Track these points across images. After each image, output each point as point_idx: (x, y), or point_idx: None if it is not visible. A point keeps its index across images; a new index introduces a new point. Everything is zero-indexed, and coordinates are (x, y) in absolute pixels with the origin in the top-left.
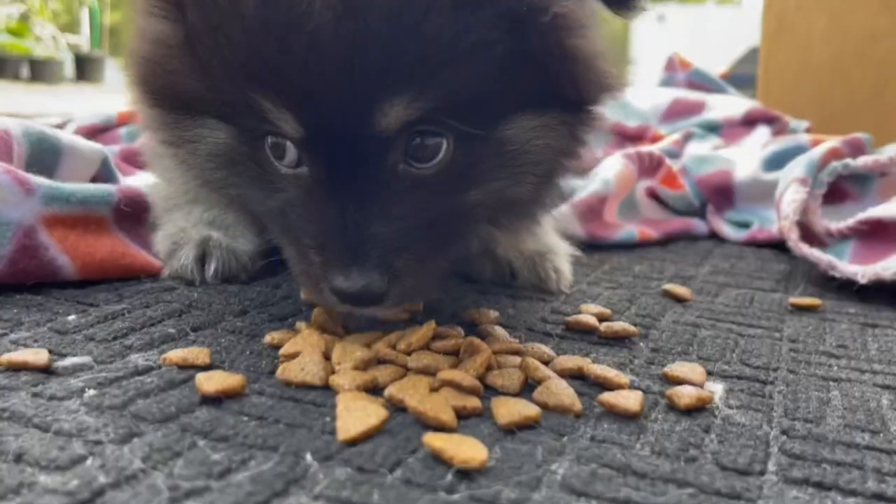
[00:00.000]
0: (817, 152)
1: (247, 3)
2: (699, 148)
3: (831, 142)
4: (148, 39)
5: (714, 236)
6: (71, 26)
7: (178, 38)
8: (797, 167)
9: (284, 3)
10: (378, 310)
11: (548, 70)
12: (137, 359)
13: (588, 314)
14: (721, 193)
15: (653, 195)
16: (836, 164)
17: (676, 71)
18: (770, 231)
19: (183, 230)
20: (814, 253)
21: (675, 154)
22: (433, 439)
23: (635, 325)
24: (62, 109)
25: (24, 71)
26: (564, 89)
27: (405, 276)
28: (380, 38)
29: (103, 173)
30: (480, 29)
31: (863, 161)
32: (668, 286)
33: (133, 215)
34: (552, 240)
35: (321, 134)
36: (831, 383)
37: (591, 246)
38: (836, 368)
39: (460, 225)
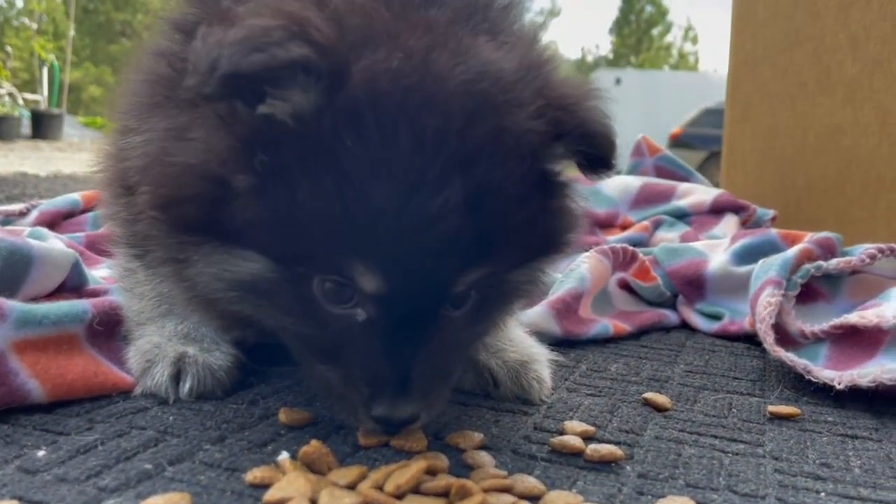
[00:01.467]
0: (790, 254)
1: (373, 191)
2: (668, 235)
3: (804, 243)
4: (194, 172)
5: (685, 326)
6: (30, 84)
7: (246, 185)
8: (771, 269)
9: (418, 200)
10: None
11: (553, 221)
12: None
13: (573, 434)
14: (692, 285)
15: (625, 286)
16: (808, 266)
17: (644, 156)
18: (741, 324)
19: (157, 346)
20: (790, 357)
21: (644, 241)
22: None
23: (619, 442)
24: (17, 167)
25: None
26: (555, 239)
27: (434, 402)
28: (479, 222)
29: (74, 276)
30: (533, 205)
31: (834, 263)
32: (648, 395)
33: (105, 332)
34: (532, 347)
35: (397, 292)
36: None
37: (567, 342)
38: (823, 495)
39: (469, 351)
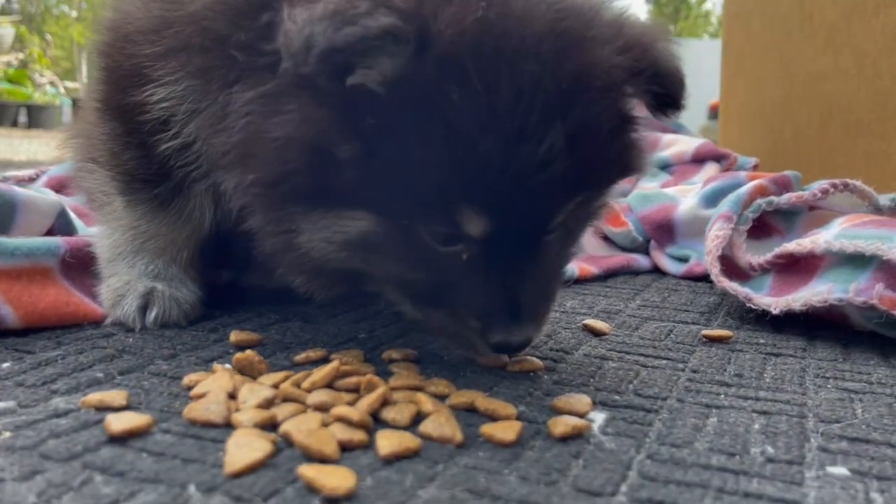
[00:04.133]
0: (744, 190)
1: (479, 140)
2: (649, 185)
3: (759, 180)
4: (298, 146)
5: (657, 270)
6: (70, 72)
7: (351, 153)
8: (724, 204)
9: (524, 146)
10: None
11: (631, 154)
12: (59, 402)
13: None
14: (662, 229)
15: (597, 232)
16: (760, 201)
17: None
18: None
19: (127, 283)
20: (732, 286)
21: (626, 191)
22: (306, 470)
23: (546, 359)
24: (57, 153)
25: (23, 117)
26: (625, 166)
27: (543, 321)
28: (580, 162)
29: (60, 224)
30: (620, 137)
31: (786, 198)
32: (589, 321)
33: (79, 265)
34: None
35: (501, 233)
36: (713, 410)
37: None
38: (722, 397)
39: (564, 270)
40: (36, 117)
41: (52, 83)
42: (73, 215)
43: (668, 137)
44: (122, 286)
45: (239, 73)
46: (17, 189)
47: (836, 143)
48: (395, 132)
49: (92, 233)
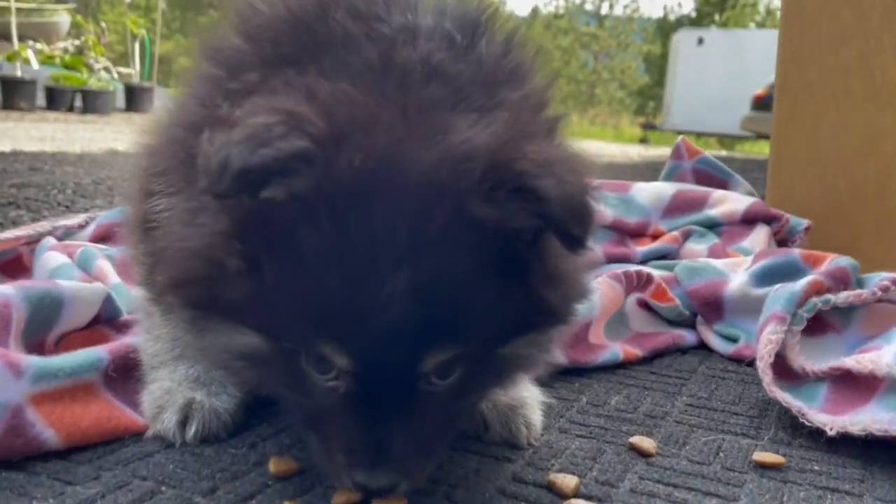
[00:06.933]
0: (798, 287)
1: (331, 277)
2: (697, 247)
3: (814, 274)
4: (199, 256)
5: (703, 346)
6: (124, 57)
7: (238, 267)
8: (777, 302)
9: (369, 288)
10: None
11: (538, 294)
12: None
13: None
14: (710, 306)
15: (644, 304)
16: (816, 300)
17: (683, 159)
18: (756, 347)
19: (168, 391)
20: (785, 397)
21: (673, 252)
22: None
23: (591, 497)
24: (110, 142)
25: (78, 102)
26: (550, 307)
27: (416, 471)
28: (430, 310)
29: (106, 309)
30: (495, 286)
31: (844, 296)
32: (635, 439)
33: (122, 376)
34: (524, 391)
35: (368, 369)
36: None
37: (575, 370)
38: None
39: (460, 420)
40: (91, 102)
41: (106, 69)
42: (115, 297)
43: (717, 194)
44: (162, 395)
45: (181, 187)
46: (64, 284)
47: (894, 206)
48: (267, 256)
49: (134, 301)
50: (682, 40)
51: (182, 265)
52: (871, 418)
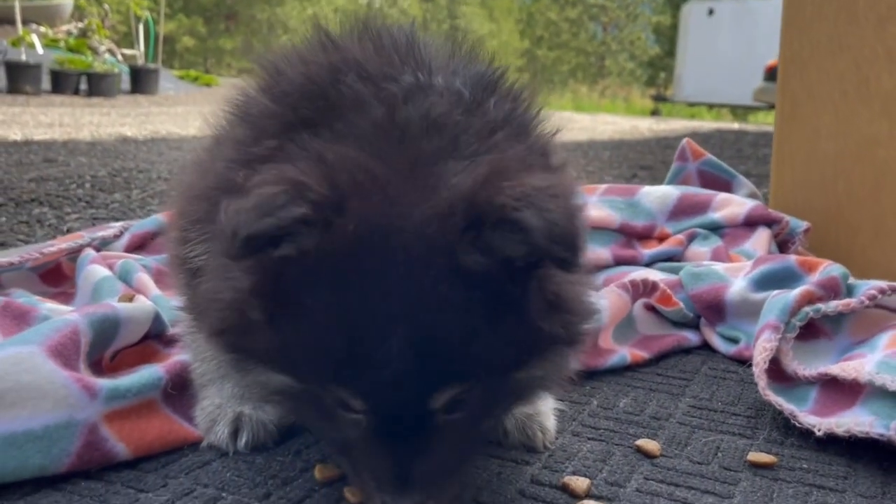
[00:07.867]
0: (791, 297)
1: (336, 332)
2: (701, 250)
3: (807, 284)
4: (230, 308)
5: (706, 345)
6: (128, 37)
7: (261, 319)
8: (772, 312)
9: (370, 343)
10: None
11: (537, 324)
12: None
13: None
14: (712, 309)
15: (650, 308)
16: (807, 309)
17: (688, 161)
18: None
19: (218, 406)
20: (778, 400)
21: (678, 255)
22: None
23: (601, 497)
24: (118, 127)
25: (83, 85)
26: (553, 335)
27: (440, 491)
28: (430, 357)
29: (155, 327)
30: (494, 324)
31: (833, 306)
32: (641, 442)
33: (178, 392)
34: (539, 399)
35: (381, 410)
36: None
37: (586, 373)
38: None
39: (480, 441)
40: (96, 85)
41: (110, 51)
42: (161, 312)
43: (720, 198)
44: (213, 410)
45: (215, 235)
46: (120, 307)
47: (889, 209)
48: (288, 310)
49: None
50: (693, 11)
51: (217, 315)
52: (854, 420)
